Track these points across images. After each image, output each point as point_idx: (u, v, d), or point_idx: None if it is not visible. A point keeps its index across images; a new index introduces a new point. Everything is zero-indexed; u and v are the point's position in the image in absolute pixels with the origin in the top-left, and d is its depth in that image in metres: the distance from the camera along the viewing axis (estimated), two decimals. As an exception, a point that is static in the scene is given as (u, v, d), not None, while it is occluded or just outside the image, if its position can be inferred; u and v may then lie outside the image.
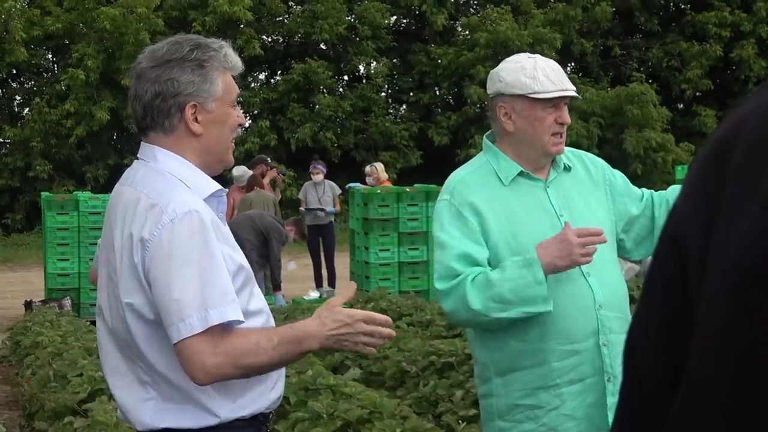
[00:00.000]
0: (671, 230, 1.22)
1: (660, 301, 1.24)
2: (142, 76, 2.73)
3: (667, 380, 1.21)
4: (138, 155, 2.79)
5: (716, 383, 1.11)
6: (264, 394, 2.78)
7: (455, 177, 3.42)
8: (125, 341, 2.69)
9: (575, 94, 3.33)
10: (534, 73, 3.28)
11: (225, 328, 2.58)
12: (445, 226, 3.30)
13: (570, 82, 3.33)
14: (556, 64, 3.38)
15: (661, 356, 1.23)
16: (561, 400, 3.25)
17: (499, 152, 3.39)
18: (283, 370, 2.89)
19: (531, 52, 3.50)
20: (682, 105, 32.47)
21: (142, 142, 2.79)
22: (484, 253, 3.26)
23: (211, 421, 2.69)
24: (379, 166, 15.68)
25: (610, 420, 3.25)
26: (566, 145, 3.48)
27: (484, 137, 3.49)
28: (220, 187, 2.77)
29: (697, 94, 31.27)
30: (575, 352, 3.24)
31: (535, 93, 3.27)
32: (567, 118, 3.32)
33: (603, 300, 3.28)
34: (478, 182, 3.36)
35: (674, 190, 3.48)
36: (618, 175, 3.55)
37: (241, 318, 2.60)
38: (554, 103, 3.29)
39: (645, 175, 26.08)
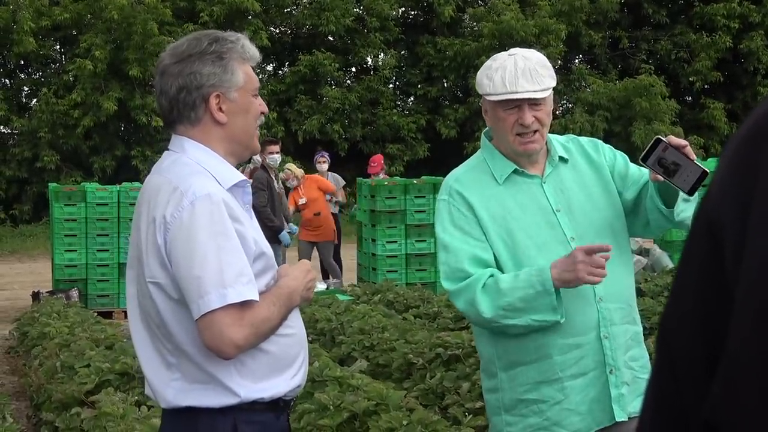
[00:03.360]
0: (706, 212, 1.22)
1: (695, 282, 1.23)
2: (166, 72, 2.87)
3: (702, 361, 1.21)
4: (168, 147, 2.94)
5: (757, 364, 1.11)
6: (286, 380, 2.89)
7: (452, 176, 3.42)
8: (154, 322, 2.83)
9: (532, 95, 3.23)
10: (493, 74, 3.27)
11: (245, 301, 2.71)
12: (448, 227, 3.31)
13: (534, 82, 3.23)
14: (536, 60, 3.29)
15: (697, 338, 1.22)
16: (564, 395, 3.25)
17: (494, 150, 3.38)
18: (306, 359, 3.01)
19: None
20: (690, 98, 32.42)
21: (172, 135, 2.93)
22: (489, 252, 3.26)
23: (232, 401, 2.80)
24: (291, 166, 14.88)
25: (615, 413, 3.25)
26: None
27: (483, 134, 3.47)
28: (244, 177, 2.90)
29: (706, 86, 31.21)
30: (577, 345, 3.24)
31: (488, 95, 3.28)
32: (526, 119, 3.24)
33: (603, 292, 3.26)
34: (473, 181, 3.36)
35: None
36: (619, 155, 3.49)
37: (257, 298, 2.72)
38: (514, 104, 3.25)
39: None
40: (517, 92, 3.23)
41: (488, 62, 3.35)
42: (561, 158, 3.40)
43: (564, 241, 3.27)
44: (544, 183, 3.36)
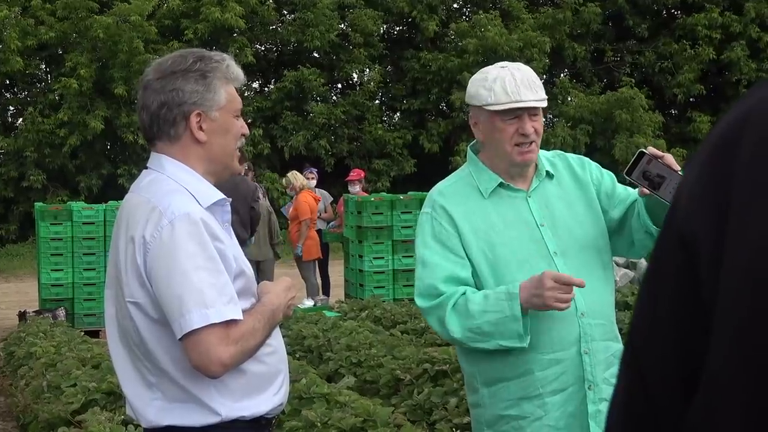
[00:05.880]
0: (677, 228, 1.19)
1: (668, 298, 1.19)
2: (149, 87, 2.86)
3: (678, 380, 1.18)
4: (147, 164, 2.92)
5: (739, 383, 1.08)
6: (267, 398, 2.87)
7: (435, 189, 3.43)
8: (133, 341, 2.81)
9: (535, 104, 3.26)
10: (492, 85, 3.27)
11: (230, 320, 2.69)
12: (428, 241, 3.31)
13: (534, 92, 3.26)
14: (529, 72, 3.32)
15: (672, 357, 1.19)
16: (544, 411, 3.25)
17: (480, 163, 3.39)
18: (287, 377, 2.99)
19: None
20: (675, 110, 32.48)
21: (151, 152, 2.91)
22: (467, 269, 3.26)
23: (213, 420, 2.79)
24: (293, 176, 14.60)
25: (591, 429, 3.23)
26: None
27: (469, 147, 3.48)
28: (223, 196, 2.88)
29: (690, 99, 31.28)
30: (557, 360, 3.24)
31: (489, 105, 3.27)
32: (527, 129, 3.26)
33: (585, 308, 3.26)
34: (457, 194, 3.36)
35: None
36: (606, 174, 3.49)
37: (240, 317, 2.70)
38: (515, 114, 3.26)
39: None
40: (521, 101, 3.24)
41: (479, 75, 3.36)
42: (547, 173, 3.41)
43: (547, 255, 3.27)
44: (529, 197, 3.36)
